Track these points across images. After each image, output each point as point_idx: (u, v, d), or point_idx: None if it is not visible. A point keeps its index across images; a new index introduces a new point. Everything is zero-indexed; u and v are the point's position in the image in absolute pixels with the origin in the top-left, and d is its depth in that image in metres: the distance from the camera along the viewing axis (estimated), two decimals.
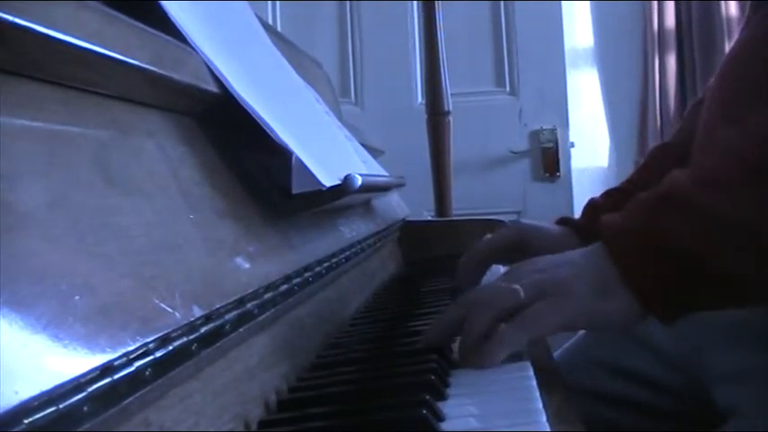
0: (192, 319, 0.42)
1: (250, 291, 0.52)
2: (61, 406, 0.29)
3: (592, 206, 0.98)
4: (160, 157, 0.50)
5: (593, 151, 2.78)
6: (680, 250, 0.58)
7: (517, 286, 0.61)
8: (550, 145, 2.59)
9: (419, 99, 2.61)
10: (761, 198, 0.57)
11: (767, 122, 0.61)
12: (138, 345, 0.36)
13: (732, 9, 2.58)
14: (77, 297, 0.33)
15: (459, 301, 0.64)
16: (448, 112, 1.84)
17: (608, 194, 1.01)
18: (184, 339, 0.41)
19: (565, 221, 0.97)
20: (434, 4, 1.84)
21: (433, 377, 0.53)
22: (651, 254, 0.59)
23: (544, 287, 0.61)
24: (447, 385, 0.55)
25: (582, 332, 1.04)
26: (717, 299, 0.60)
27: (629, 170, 1.66)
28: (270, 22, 2.59)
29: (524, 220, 0.96)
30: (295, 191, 0.64)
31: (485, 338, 0.59)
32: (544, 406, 0.48)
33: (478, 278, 0.87)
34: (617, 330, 0.65)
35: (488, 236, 0.93)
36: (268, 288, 0.55)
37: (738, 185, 0.58)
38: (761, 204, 0.57)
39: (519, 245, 0.89)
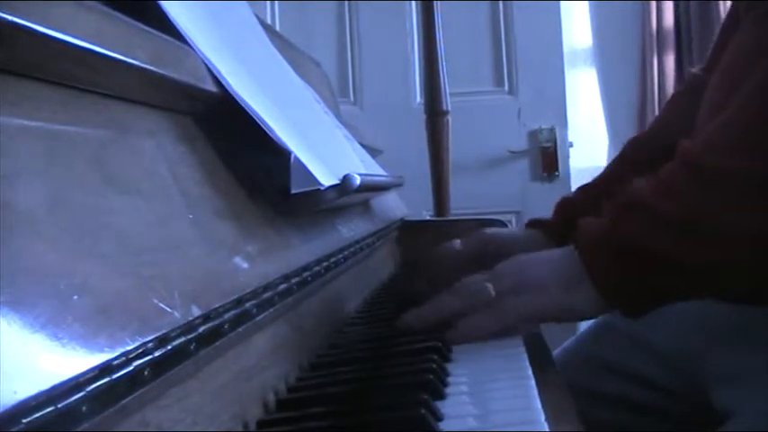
0: (191, 318, 0.42)
1: (249, 290, 0.52)
2: (60, 405, 0.29)
3: (563, 204, 0.99)
4: (159, 157, 0.50)
5: (591, 151, 2.78)
6: (638, 249, 0.64)
7: (489, 285, 0.68)
8: (549, 145, 2.59)
9: (418, 98, 2.60)
10: (705, 199, 0.64)
11: (718, 131, 0.67)
12: (136, 344, 0.36)
13: None
14: (76, 297, 0.33)
15: (442, 294, 0.72)
16: (446, 112, 1.83)
17: (582, 190, 1.03)
18: (183, 339, 0.40)
19: (535, 224, 0.98)
20: (433, 3, 1.84)
21: (431, 377, 0.53)
22: (612, 251, 0.65)
23: (518, 284, 0.68)
24: (446, 385, 0.55)
25: (581, 332, 1.04)
26: (674, 290, 0.65)
27: None
28: (268, 21, 2.59)
29: (489, 230, 0.97)
30: (294, 190, 0.64)
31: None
32: (543, 406, 0.48)
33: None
34: (581, 320, 0.70)
35: (456, 241, 0.94)
36: (267, 288, 0.55)
37: (686, 189, 0.65)
38: (708, 205, 0.63)
39: (486, 254, 0.89)
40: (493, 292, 0.68)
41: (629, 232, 0.65)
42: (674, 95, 1.13)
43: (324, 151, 0.78)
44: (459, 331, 0.68)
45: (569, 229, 0.70)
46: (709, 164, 0.64)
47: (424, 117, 1.87)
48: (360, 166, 0.95)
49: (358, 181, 0.69)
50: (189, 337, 0.41)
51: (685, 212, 0.63)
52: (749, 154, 0.63)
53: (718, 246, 0.62)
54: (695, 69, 1.08)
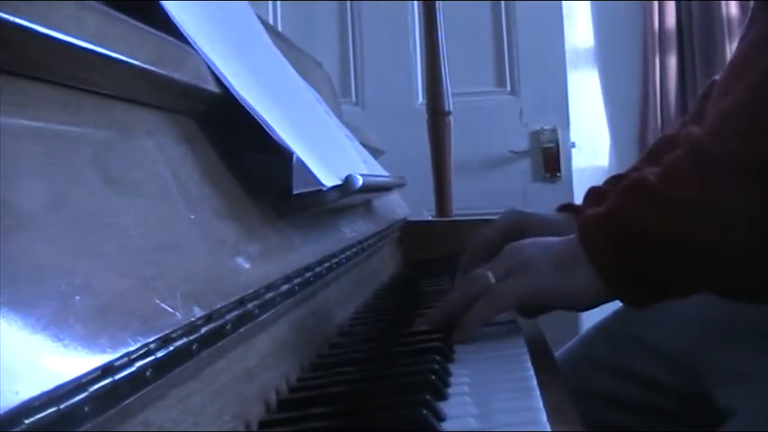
0: (193, 319, 0.42)
1: (250, 291, 0.52)
2: (62, 406, 0.29)
3: (593, 192, 0.99)
4: (160, 157, 0.50)
5: (593, 151, 2.78)
6: (639, 231, 0.64)
7: (489, 273, 0.69)
8: (551, 145, 2.59)
9: (420, 99, 2.60)
10: (707, 183, 0.64)
11: (719, 118, 0.67)
12: (138, 345, 0.36)
13: (732, 9, 2.58)
14: (78, 297, 0.33)
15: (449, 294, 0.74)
16: (448, 112, 1.83)
17: (612, 180, 1.03)
18: (185, 339, 0.41)
19: (566, 208, 0.98)
20: (435, 3, 1.84)
21: (433, 377, 0.53)
22: (613, 234, 0.66)
23: (512, 267, 0.69)
24: (447, 385, 0.55)
25: (583, 333, 1.04)
26: (673, 275, 0.65)
27: None
28: (270, 21, 2.59)
29: (526, 211, 0.97)
30: (296, 191, 0.64)
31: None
32: (544, 405, 0.48)
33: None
34: (579, 307, 0.69)
35: (485, 229, 0.93)
36: (268, 288, 0.55)
37: (689, 173, 0.65)
38: (708, 188, 0.64)
39: (519, 231, 0.89)
40: (492, 279, 0.68)
41: (630, 214, 0.65)
42: (699, 99, 1.14)
43: (326, 152, 0.78)
44: (463, 326, 0.68)
45: None
46: (710, 148, 0.65)
47: (425, 117, 1.87)
48: (362, 167, 0.95)
49: (360, 181, 0.69)
50: (191, 337, 0.41)
51: (688, 196, 0.64)
52: (748, 139, 0.63)
53: (718, 229, 0.63)
54: (717, 77, 1.08)
